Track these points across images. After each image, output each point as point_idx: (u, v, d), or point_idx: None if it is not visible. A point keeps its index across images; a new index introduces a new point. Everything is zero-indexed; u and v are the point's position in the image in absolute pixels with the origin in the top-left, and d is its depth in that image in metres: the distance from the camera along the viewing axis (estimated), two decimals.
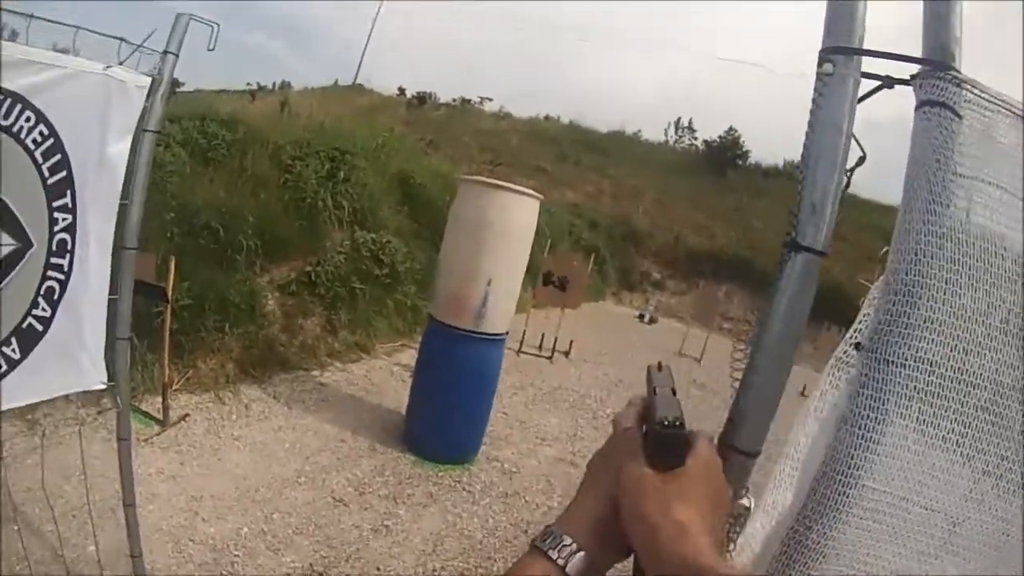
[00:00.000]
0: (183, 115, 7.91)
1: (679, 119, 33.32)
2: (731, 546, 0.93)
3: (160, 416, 5.12)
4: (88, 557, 3.19)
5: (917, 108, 0.79)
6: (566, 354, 10.68)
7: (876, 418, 0.79)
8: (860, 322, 0.85)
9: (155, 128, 2.35)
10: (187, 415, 5.37)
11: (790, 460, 0.91)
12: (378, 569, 4.04)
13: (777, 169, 29.05)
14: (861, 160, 0.83)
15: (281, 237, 7.60)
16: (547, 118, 32.30)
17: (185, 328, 5.94)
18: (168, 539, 3.80)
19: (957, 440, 0.81)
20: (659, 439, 0.68)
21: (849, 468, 0.80)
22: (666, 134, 33.57)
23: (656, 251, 21.73)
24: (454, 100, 31.41)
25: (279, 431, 5.63)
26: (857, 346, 0.83)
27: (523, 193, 5.58)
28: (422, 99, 30.17)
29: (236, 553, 3.85)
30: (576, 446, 7.03)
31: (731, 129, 29.35)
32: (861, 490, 0.80)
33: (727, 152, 28.85)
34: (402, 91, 30.77)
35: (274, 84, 27.22)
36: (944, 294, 0.78)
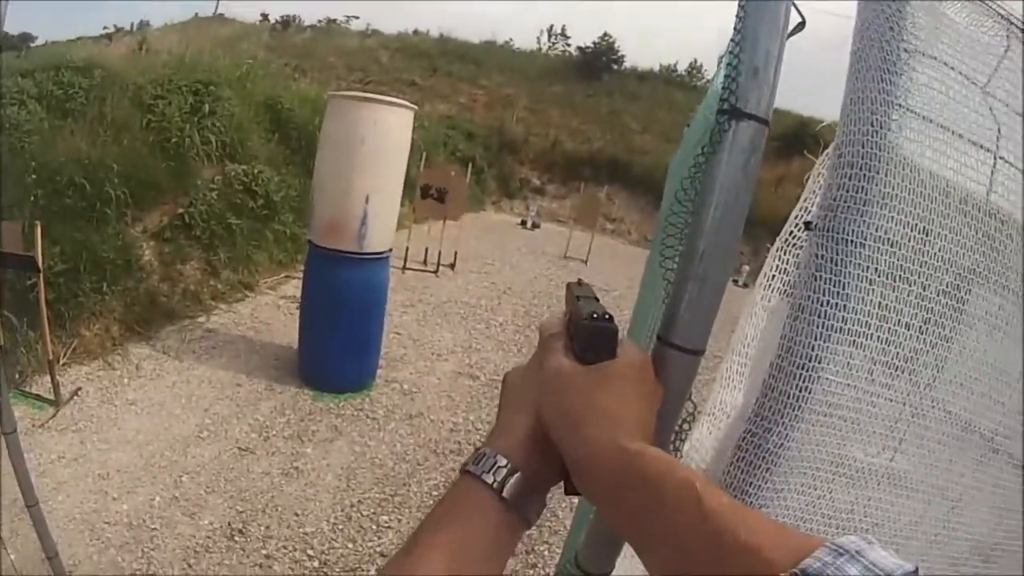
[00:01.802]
0: (36, 68, 7.21)
1: (551, 26, 33.21)
2: (676, 455, 0.86)
3: (52, 396, 4.71)
4: (6, 566, 2.96)
5: None
6: (451, 266, 10.58)
7: (836, 303, 0.71)
8: (807, 200, 0.76)
9: None
10: (79, 389, 4.97)
11: (738, 356, 0.83)
12: (296, 515, 3.93)
13: (653, 73, 29.36)
14: (800, 26, 0.73)
15: (149, 182, 7.04)
16: (416, 32, 31.51)
17: (62, 295, 5.46)
18: (83, 526, 3.57)
19: (920, 327, 0.75)
20: (588, 332, 0.63)
21: (809, 360, 0.72)
22: (539, 41, 33.47)
23: (534, 158, 21.51)
24: (319, 21, 30.60)
25: (174, 387, 5.32)
26: (807, 225, 0.74)
27: (395, 104, 5.29)
28: (286, 23, 29.23)
29: (153, 526, 3.67)
30: (473, 358, 7.04)
31: (605, 35, 29.30)
32: (824, 384, 0.73)
33: (601, 57, 28.75)
34: (265, 17, 29.67)
35: (132, 25, 24.99)
36: (903, 169, 0.71)
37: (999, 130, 0.77)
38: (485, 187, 19.22)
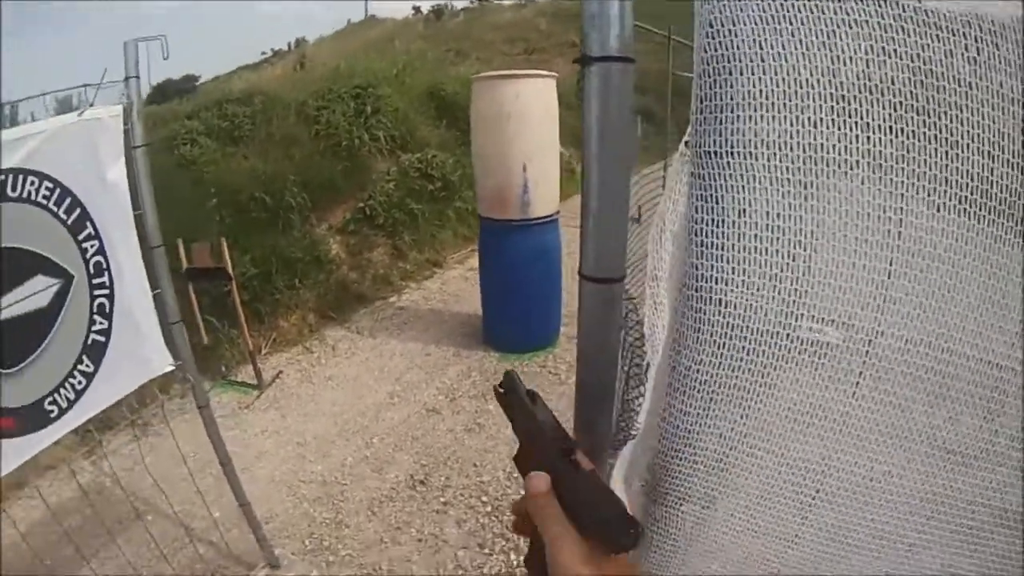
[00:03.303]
0: (200, 108, 8.16)
1: None
2: (638, 401, 0.91)
3: (255, 382, 5.42)
4: (209, 523, 3.50)
5: None
6: (637, 220, 10.41)
7: (714, 220, 0.72)
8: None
9: (140, 143, 2.61)
10: (280, 372, 5.67)
11: (660, 282, 0.85)
12: (475, 466, 4.22)
13: None
14: None
15: (327, 184, 7.73)
16: None
17: (259, 296, 6.25)
18: (281, 486, 4.10)
19: (812, 232, 0.72)
20: (610, 526, 0.61)
21: (700, 282, 0.73)
22: None
23: None
24: (472, 2, 30.48)
25: (367, 362, 5.86)
26: (686, 144, 0.75)
27: (534, 75, 5.45)
28: (438, 12, 29.42)
29: (344, 482, 4.12)
30: None
31: None
32: (719, 306, 0.73)
33: None
34: (417, 10, 29.86)
35: (289, 45, 26.70)
36: (758, 66, 0.68)
37: None
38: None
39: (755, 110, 0.70)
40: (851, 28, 0.68)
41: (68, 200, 2.40)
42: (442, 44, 19.69)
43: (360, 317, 6.88)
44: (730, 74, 0.70)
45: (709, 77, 0.70)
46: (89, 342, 2.50)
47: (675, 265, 0.81)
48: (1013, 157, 0.69)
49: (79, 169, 2.43)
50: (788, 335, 0.75)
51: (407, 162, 8.77)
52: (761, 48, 0.69)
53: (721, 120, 0.70)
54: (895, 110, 0.69)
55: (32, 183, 2.30)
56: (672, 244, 0.82)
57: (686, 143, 0.75)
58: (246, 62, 21.84)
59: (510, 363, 5.65)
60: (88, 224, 2.47)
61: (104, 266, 2.54)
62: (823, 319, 0.75)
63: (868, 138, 0.70)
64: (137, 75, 2.57)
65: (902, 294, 0.73)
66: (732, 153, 0.71)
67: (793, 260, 0.73)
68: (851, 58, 0.69)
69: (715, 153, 0.71)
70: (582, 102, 0.76)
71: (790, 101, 0.70)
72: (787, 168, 0.71)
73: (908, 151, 0.70)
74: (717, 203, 0.72)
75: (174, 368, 2.80)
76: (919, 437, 0.79)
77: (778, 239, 0.72)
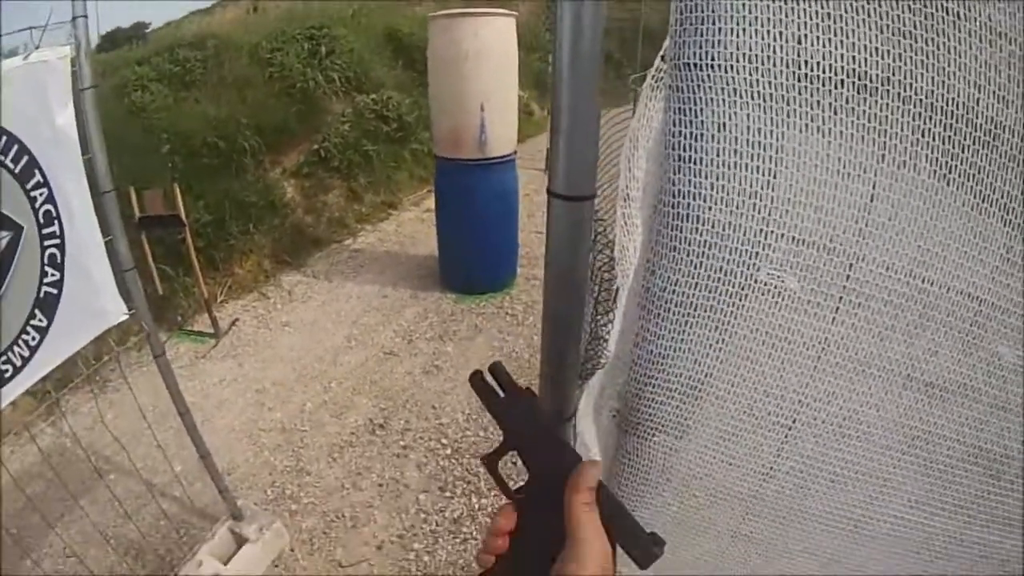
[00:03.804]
0: (151, 53, 7.83)
1: None
2: (607, 328, 0.87)
3: (211, 331, 5.30)
4: (177, 475, 3.40)
5: None
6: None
7: (692, 134, 0.69)
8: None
9: (89, 85, 2.45)
10: (236, 320, 5.55)
11: (632, 201, 0.81)
12: (433, 408, 4.22)
13: None
14: None
15: (281, 127, 7.51)
16: None
17: (213, 243, 6.06)
18: (241, 435, 4.04)
19: (795, 149, 0.69)
20: (643, 545, 0.61)
21: (676, 198, 0.70)
22: None
23: None
24: None
25: (323, 305, 5.79)
26: (662, 58, 0.71)
27: (494, 14, 5.26)
28: None
29: (304, 428, 4.08)
30: None
31: None
32: (695, 223, 0.71)
33: None
34: None
35: None
36: None
37: None
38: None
39: (737, 23, 0.67)
40: None
41: (15, 148, 2.27)
42: None
43: (316, 261, 6.77)
44: None
45: None
46: (41, 295, 2.39)
47: (649, 183, 0.78)
48: (999, 90, 0.68)
49: (26, 115, 2.29)
50: (768, 256, 0.73)
51: (362, 103, 8.57)
52: None
53: (702, 32, 0.67)
54: (882, 32, 0.67)
55: None
56: (646, 161, 0.78)
57: (662, 57, 0.71)
58: (198, 7, 21.02)
59: (466, 304, 5.64)
60: (36, 172, 2.34)
61: (54, 215, 2.41)
62: (803, 240, 0.73)
63: (854, 57, 0.67)
64: (85, 14, 2.40)
65: (884, 219, 0.72)
66: (713, 66, 0.68)
67: (774, 178, 0.71)
68: None
69: (695, 65, 0.68)
70: (553, 30, 0.70)
71: (774, 16, 0.66)
72: (769, 83, 0.68)
73: (894, 74, 0.68)
74: (696, 116, 0.69)
75: (128, 317, 2.67)
76: (897, 368, 0.78)
77: (758, 155, 0.70)
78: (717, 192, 0.70)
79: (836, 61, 0.67)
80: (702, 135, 0.69)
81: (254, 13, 11.21)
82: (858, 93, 0.68)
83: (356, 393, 4.42)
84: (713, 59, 0.67)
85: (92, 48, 2.57)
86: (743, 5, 0.65)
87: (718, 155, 0.69)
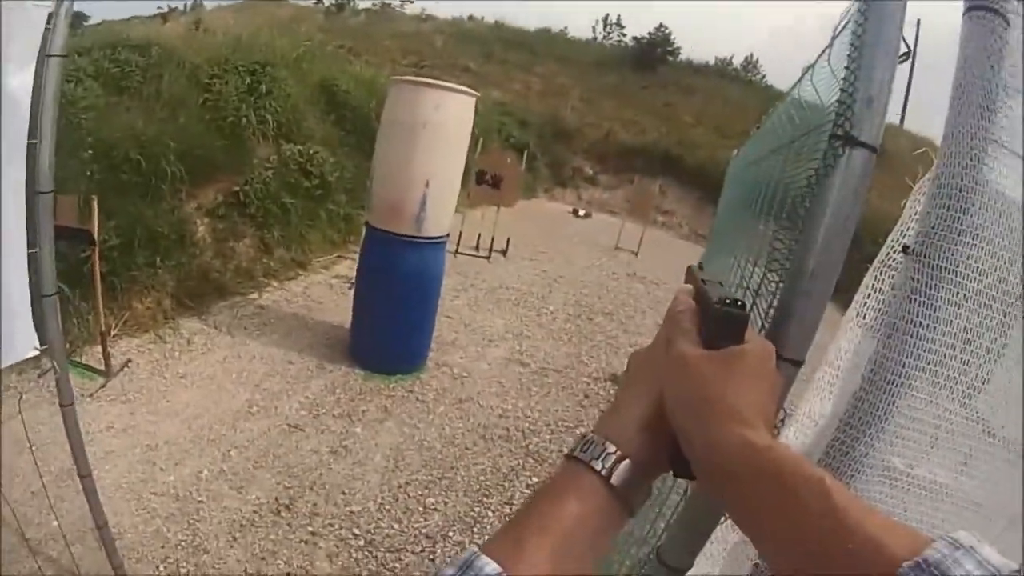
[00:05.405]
0: (92, 46, 7.40)
1: (607, 16, 33.71)
2: None
3: (102, 367, 4.89)
4: (54, 533, 3.06)
5: (966, 12, 0.72)
6: (503, 252, 10.66)
7: (927, 325, 0.73)
8: (904, 224, 0.79)
9: (60, 52, 2.08)
10: (129, 360, 5.14)
11: (831, 368, 0.86)
12: (343, 493, 4.02)
13: (708, 66, 29.13)
14: (905, 56, 0.75)
15: (205, 159, 7.20)
16: (471, 18, 31.93)
17: (116, 269, 5.64)
18: (130, 496, 3.68)
19: (999, 351, 0.77)
20: (720, 318, 0.62)
21: (898, 376, 0.75)
22: (594, 31, 33.99)
23: (587, 148, 21.30)
24: (374, 4, 30.94)
25: (224, 362, 5.48)
26: (904, 249, 0.76)
27: (457, 90, 5.34)
28: (340, 6, 29.61)
29: (200, 499, 3.76)
30: (524, 345, 7.08)
31: (661, 26, 29.23)
32: (909, 399, 0.76)
33: (656, 49, 28.65)
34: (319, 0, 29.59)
35: (185, 6, 24.97)
36: (994, 201, 0.73)
37: None
38: (538, 175, 19.18)
39: (984, 240, 0.75)
40: None
41: None
42: (338, 39, 19.37)
43: (219, 310, 6.42)
44: (971, 204, 0.73)
45: (950, 200, 0.73)
46: None
47: (859, 353, 0.82)
48: None
49: None
50: (948, 431, 0.79)
51: (288, 153, 8.43)
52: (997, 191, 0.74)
53: (955, 241, 0.73)
54: None
55: None
56: (860, 334, 0.83)
57: (904, 248, 0.77)
58: (139, 13, 20.34)
59: (375, 383, 5.49)
60: None
61: None
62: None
63: None
64: None
65: None
66: (956, 271, 0.74)
67: (978, 370, 0.77)
68: None
69: (943, 267, 0.73)
70: (820, 177, 0.75)
71: (1013, 242, 0.76)
72: (999, 297, 0.76)
73: None
74: (934, 311, 0.75)
75: (38, 353, 2.31)
76: None
77: (970, 352, 0.76)
78: (927, 375, 0.75)
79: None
80: (935, 327, 0.74)
81: (202, 33, 10.93)
82: None
83: (258, 467, 4.14)
84: (956, 266, 0.74)
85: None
86: (982, 225, 0.73)
87: (933, 344, 0.74)
